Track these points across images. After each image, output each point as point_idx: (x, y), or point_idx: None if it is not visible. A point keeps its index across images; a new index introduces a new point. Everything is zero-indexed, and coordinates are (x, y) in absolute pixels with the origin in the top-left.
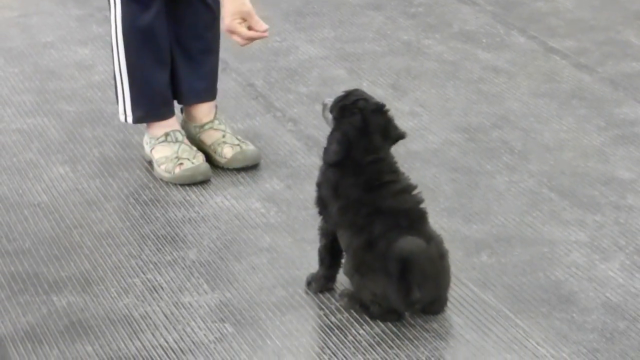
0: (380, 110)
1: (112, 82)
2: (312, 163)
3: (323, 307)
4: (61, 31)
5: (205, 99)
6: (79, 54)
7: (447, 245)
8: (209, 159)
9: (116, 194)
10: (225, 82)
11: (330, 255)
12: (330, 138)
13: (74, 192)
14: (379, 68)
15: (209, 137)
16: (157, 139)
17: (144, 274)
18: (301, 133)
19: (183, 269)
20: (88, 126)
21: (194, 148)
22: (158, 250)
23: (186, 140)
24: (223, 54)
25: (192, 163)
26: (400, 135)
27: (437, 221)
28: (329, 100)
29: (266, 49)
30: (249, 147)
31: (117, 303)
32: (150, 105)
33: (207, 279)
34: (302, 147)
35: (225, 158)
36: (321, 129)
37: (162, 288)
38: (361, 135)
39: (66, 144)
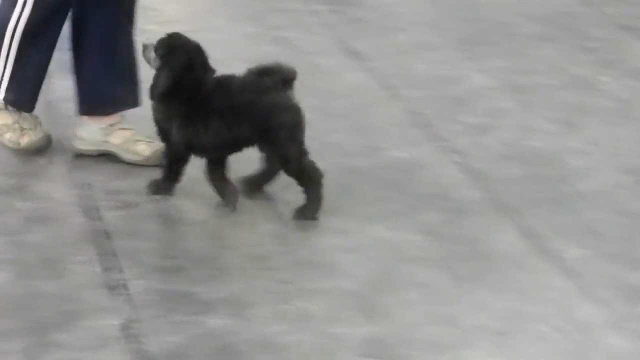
0: (200, 49)
1: None
2: (475, 197)
3: (477, 347)
4: (233, 48)
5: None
6: None
7: (607, 291)
8: (116, 158)
9: (273, 217)
10: (391, 109)
11: (176, 170)
12: (157, 74)
13: (232, 213)
14: (550, 102)
15: (119, 137)
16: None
17: (296, 300)
18: (466, 165)
19: (336, 298)
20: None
21: (34, 116)
22: (311, 278)
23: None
24: (392, 79)
25: (36, 134)
26: (214, 70)
27: (599, 266)
28: (150, 42)
29: (435, 76)
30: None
31: (268, 328)
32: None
33: (360, 311)
34: (466, 180)
35: (142, 155)
36: (487, 161)
37: (313, 317)
38: (188, 71)
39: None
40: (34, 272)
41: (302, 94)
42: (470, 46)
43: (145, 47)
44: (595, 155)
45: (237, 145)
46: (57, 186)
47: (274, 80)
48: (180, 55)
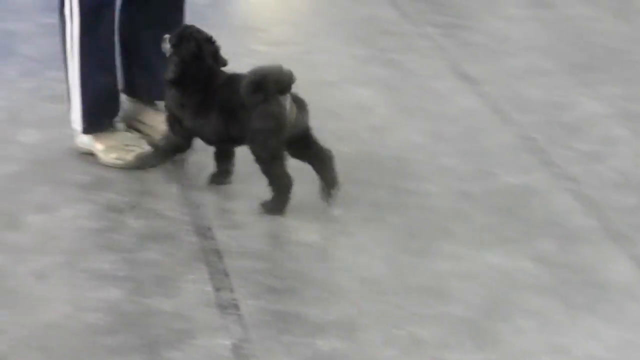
0: (210, 40)
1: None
2: (589, 225)
3: None
4: (344, 71)
5: None
6: (360, 95)
7: None
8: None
9: (385, 240)
10: (503, 134)
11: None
12: (169, 61)
13: (344, 235)
14: None
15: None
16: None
17: (407, 325)
18: (580, 192)
19: (447, 324)
20: (363, 169)
21: (136, 134)
22: (423, 303)
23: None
24: (504, 104)
25: (142, 149)
26: (225, 62)
27: None
28: (168, 36)
29: (547, 102)
30: None
31: (379, 353)
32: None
33: (471, 338)
34: (580, 208)
35: None
36: (601, 189)
37: (424, 342)
38: (196, 59)
39: (341, 185)
40: (147, 290)
41: (414, 117)
42: (583, 72)
43: (163, 39)
44: None
45: (235, 141)
46: (169, 205)
47: (270, 85)
48: (190, 44)
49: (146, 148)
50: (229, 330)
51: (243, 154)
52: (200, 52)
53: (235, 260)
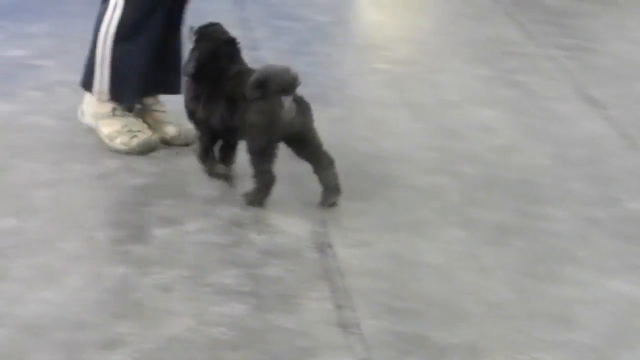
0: (231, 42)
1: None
2: None
3: None
4: (468, 91)
5: None
6: (483, 115)
7: None
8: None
9: (510, 264)
10: (630, 159)
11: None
12: (190, 55)
13: (468, 257)
14: None
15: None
16: (103, 114)
17: (531, 351)
18: None
19: (571, 351)
20: (486, 191)
21: (140, 120)
22: (547, 329)
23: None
24: (631, 129)
25: (145, 134)
26: (243, 63)
27: None
28: (195, 26)
29: None
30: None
31: None
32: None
33: None
34: None
35: (168, 135)
36: None
37: None
38: (213, 58)
39: (463, 207)
40: (269, 306)
41: (538, 139)
42: None
43: (191, 28)
44: None
45: (236, 132)
46: (291, 220)
47: (273, 84)
48: (209, 44)
49: (149, 133)
50: (351, 349)
51: (361, 170)
52: (217, 53)
53: (357, 279)
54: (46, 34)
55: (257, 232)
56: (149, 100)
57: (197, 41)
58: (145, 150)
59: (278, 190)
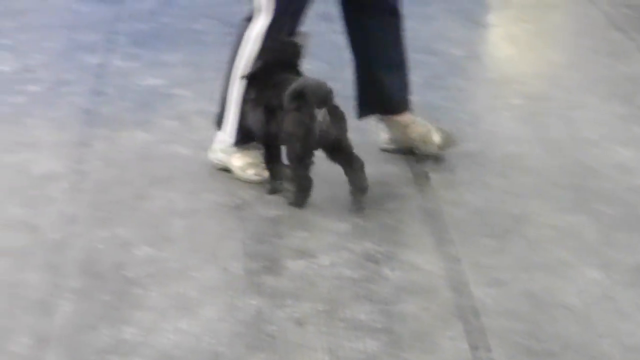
0: (297, 52)
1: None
2: None
3: None
4: (604, 129)
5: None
6: (621, 154)
7: None
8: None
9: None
10: None
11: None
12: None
13: (606, 299)
14: None
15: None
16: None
17: None
18: None
19: None
20: (625, 231)
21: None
22: None
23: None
24: None
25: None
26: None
27: None
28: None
29: None
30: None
31: None
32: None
33: None
34: None
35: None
36: None
37: None
38: (275, 64)
39: (601, 247)
40: (404, 344)
41: None
42: None
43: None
44: None
45: (275, 139)
46: (425, 257)
47: (308, 97)
48: (273, 52)
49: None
50: None
51: (496, 207)
52: (280, 59)
53: (493, 319)
54: (181, 62)
55: (390, 268)
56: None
57: (263, 49)
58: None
59: (412, 227)
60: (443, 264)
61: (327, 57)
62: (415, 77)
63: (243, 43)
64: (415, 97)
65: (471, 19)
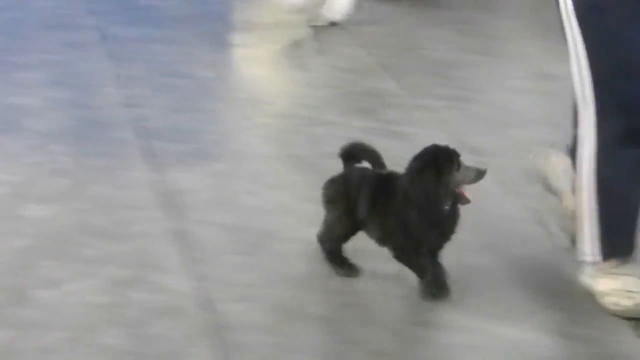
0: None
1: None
2: None
3: None
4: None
5: None
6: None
7: None
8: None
9: (394, 313)
10: (509, 206)
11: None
12: None
13: (350, 307)
14: None
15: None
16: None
17: None
18: None
19: None
20: (365, 240)
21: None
22: None
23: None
24: (508, 175)
25: None
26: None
27: None
28: None
29: None
30: None
31: None
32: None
33: None
34: None
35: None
36: None
37: None
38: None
39: (348, 257)
40: None
41: None
42: None
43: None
44: None
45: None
46: (173, 278)
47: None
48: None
49: None
50: None
51: (244, 224)
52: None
53: (240, 334)
54: None
55: (138, 291)
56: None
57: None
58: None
59: (159, 249)
60: (191, 283)
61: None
62: (164, 101)
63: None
64: (164, 120)
65: (218, 41)
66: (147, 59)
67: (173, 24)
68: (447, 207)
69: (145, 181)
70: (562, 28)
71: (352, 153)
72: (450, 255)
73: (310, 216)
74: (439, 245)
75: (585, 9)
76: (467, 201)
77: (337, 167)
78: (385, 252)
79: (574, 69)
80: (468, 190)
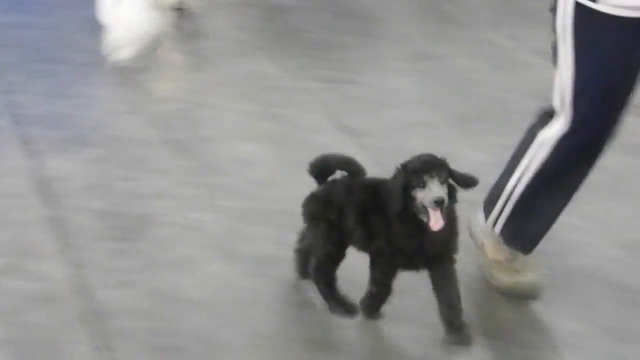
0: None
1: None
2: None
3: None
4: (227, 125)
5: None
6: (242, 149)
7: None
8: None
9: (274, 296)
10: None
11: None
12: None
13: (228, 290)
14: None
15: None
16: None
17: None
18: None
19: None
20: (247, 223)
21: (532, 261)
22: (309, 355)
23: None
24: (385, 156)
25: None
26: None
27: (591, 342)
28: None
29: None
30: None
31: None
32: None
33: None
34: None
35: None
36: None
37: None
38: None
39: (224, 240)
40: (27, 353)
41: (297, 170)
42: (465, 123)
43: None
44: (586, 230)
45: None
46: (49, 265)
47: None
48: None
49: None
50: None
51: (121, 210)
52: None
53: (117, 320)
54: None
55: (13, 279)
56: None
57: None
58: (516, 292)
59: (35, 236)
60: (67, 271)
61: None
62: (40, 87)
63: (533, 142)
64: (40, 107)
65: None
66: (24, 45)
67: (53, 10)
68: (424, 220)
69: (21, 168)
70: (555, 36)
71: (323, 168)
72: None
73: (188, 200)
74: (422, 259)
75: (585, 27)
76: (430, 227)
77: (217, 151)
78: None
79: (560, 76)
80: (439, 217)
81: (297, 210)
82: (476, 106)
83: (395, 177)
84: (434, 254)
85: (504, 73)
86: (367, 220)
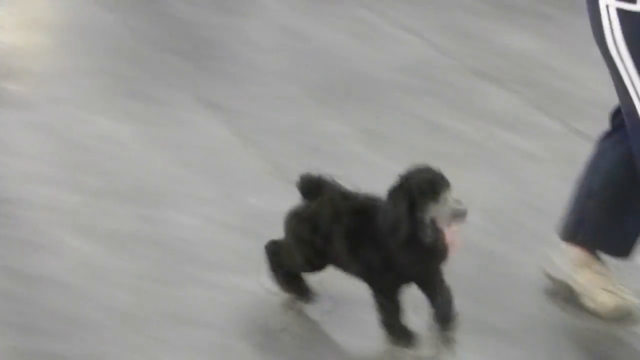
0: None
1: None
2: None
3: None
4: (90, 103)
5: None
6: (103, 125)
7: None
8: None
9: (132, 270)
10: (247, 157)
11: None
12: None
13: (88, 267)
14: (405, 148)
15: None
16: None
17: (159, 354)
18: None
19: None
20: (106, 199)
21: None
22: (172, 330)
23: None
24: (248, 129)
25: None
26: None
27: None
28: None
29: (292, 126)
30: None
31: None
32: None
33: None
34: None
35: (603, 306)
36: None
37: None
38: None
39: (82, 217)
40: None
41: (160, 146)
42: (327, 95)
43: None
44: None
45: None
46: None
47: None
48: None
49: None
50: None
51: None
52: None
53: None
54: None
55: None
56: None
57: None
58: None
59: None
60: None
61: None
62: None
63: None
64: None
65: None
66: None
67: None
68: (428, 239)
69: None
70: (607, 54)
71: (314, 187)
72: (189, 209)
73: (47, 175)
74: (422, 277)
75: (636, 37)
76: (446, 246)
77: (84, 127)
78: None
79: (632, 93)
80: (454, 232)
81: (158, 186)
82: (338, 79)
83: (394, 198)
84: (434, 271)
85: (371, 48)
86: (358, 252)
